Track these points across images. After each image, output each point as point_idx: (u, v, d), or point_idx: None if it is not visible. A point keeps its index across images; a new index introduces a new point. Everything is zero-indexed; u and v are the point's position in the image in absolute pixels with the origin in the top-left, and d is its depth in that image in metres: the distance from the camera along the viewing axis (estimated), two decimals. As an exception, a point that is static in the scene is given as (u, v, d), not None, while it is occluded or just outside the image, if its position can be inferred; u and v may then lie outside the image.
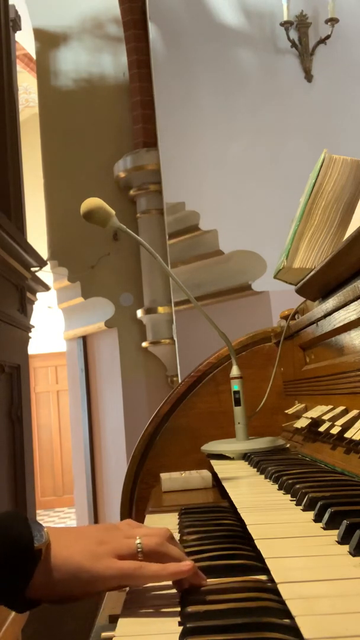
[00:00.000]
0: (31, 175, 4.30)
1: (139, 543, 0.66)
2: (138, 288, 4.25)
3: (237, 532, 0.82)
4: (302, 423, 1.30)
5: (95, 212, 1.30)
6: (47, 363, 7.73)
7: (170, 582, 0.66)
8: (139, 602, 0.65)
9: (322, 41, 3.78)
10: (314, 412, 1.21)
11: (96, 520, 4.37)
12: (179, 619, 0.58)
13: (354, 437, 0.96)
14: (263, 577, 0.65)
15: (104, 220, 1.31)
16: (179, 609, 0.61)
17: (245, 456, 1.35)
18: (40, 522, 0.73)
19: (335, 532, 0.67)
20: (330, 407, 1.15)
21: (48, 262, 4.00)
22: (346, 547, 0.62)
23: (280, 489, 0.96)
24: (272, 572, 0.58)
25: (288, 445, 1.39)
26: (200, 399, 1.64)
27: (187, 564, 0.64)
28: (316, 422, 1.21)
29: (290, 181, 2.67)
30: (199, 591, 0.63)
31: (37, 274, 3.25)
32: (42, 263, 3.22)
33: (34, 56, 4.68)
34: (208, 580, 0.65)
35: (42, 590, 0.63)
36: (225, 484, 1.08)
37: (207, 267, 3.76)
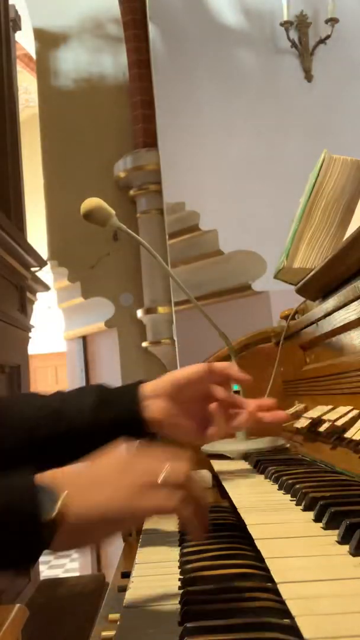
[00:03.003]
0: (31, 175, 4.31)
1: (165, 475, 0.64)
2: (138, 288, 4.25)
3: (237, 532, 0.82)
4: (302, 423, 1.30)
5: (95, 212, 1.30)
6: (47, 363, 7.73)
7: (174, 591, 0.67)
8: (139, 602, 0.65)
9: (322, 41, 3.77)
10: (314, 412, 1.21)
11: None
12: (178, 618, 0.58)
13: (354, 437, 0.96)
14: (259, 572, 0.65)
15: (103, 220, 1.31)
16: (178, 608, 0.61)
17: (245, 456, 1.35)
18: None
19: (335, 532, 0.67)
20: (330, 407, 1.15)
21: (48, 262, 4.00)
22: (346, 547, 0.62)
23: (280, 489, 0.96)
24: (272, 572, 0.58)
25: (288, 445, 1.39)
26: (200, 399, 1.63)
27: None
28: (316, 422, 1.21)
29: (290, 181, 2.67)
30: (199, 591, 0.63)
31: (37, 274, 3.25)
32: (42, 263, 3.22)
33: (34, 56, 4.68)
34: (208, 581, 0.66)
35: (68, 546, 0.62)
36: (225, 484, 1.08)
37: (207, 267, 3.75)
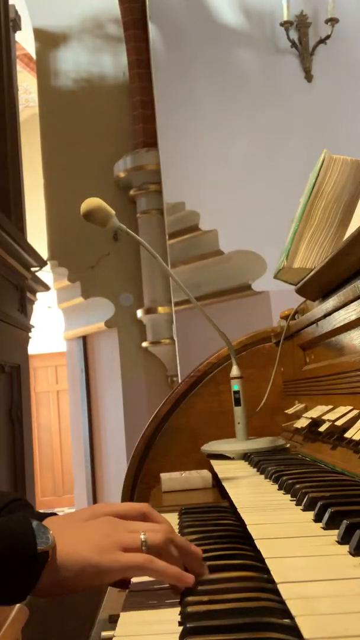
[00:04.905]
0: (31, 175, 4.31)
1: (144, 538, 0.66)
2: (138, 288, 4.25)
3: (237, 532, 0.82)
4: (302, 423, 1.30)
5: (95, 212, 1.30)
6: (47, 363, 7.72)
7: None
8: (139, 602, 0.65)
9: (322, 41, 3.77)
10: (314, 412, 1.21)
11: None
12: (179, 618, 0.58)
13: (354, 437, 0.96)
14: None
15: (104, 220, 1.31)
16: (179, 608, 0.61)
17: (245, 456, 1.35)
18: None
19: (335, 532, 0.67)
20: (330, 407, 1.15)
21: (48, 262, 4.00)
22: (346, 547, 0.62)
23: (280, 489, 0.96)
24: (272, 572, 0.58)
25: (288, 445, 1.39)
26: (200, 399, 1.64)
27: (190, 578, 0.65)
28: (316, 422, 1.21)
29: (290, 181, 2.67)
30: (199, 591, 0.63)
31: (37, 274, 3.25)
32: (42, 263, 3.22)
33: (34, 56, 4.68)
34: (207, 580, 0.66)
35: (49, 588, 0.64)
36: (225, 484, 1.08)
37: (207, 267, 3.75)
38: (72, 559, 0.64)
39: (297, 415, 1.39)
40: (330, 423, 1.08)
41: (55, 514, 0.81)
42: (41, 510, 0.84)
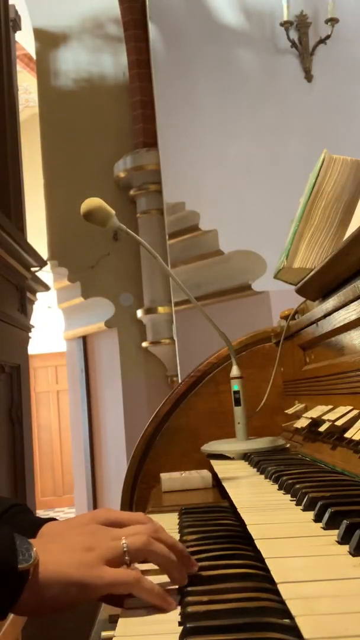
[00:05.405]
0: (31, 175, 4.31)
1: (125, 544, 0.65)
2: (138, 288, 4.25)
3: (237, 532, 0.82)
4: (302, 423, 1.30)
5: (95, 212, 1.30)
6: (47, 363, 7.72)
7: (169, 579, 0.67)
8: (139, 602, 0.65)
9: (322, 41, 3.77)
10: (314, 412, 1.21)
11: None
12: (179, 619, 0.58)
13: (354, 437, 0.96)
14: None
15: (104, 220, 1.31)
16: (179, 609, 0.61)
17: (245, 456, 1.35)
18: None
19: (335, 532, 0.67)
20: (330, 407, 1.15)
21: (48, 262, 4.00)
22: (346, 547, 0.62)
23: (280, 489, 0.96)
24: (272, 572, 0.58)
25: (288, 445, 1.39)
26: (200, 399, 1.64)
27: (172, 604, 0.63)
28: (316, 422, 1.21)
29: (290, 181, 2.67)
30: (199, 591, 0.63)
31: (37, 274, 3.25)
32: (42, 263, 3.22)
33: (34, 56, 4.68)
34: (207, 580, 0.66)
35: (32, 606, 0.63)
36: (225, 484, 1.08)
37: (207, 267, 3.75)
38: (54, 576, 0.62)
39: (297, 415, 1.39)
40: (330, 423, 1.08)
41: (54, 519, 0.81)
42: (41, 511, 0.84)
